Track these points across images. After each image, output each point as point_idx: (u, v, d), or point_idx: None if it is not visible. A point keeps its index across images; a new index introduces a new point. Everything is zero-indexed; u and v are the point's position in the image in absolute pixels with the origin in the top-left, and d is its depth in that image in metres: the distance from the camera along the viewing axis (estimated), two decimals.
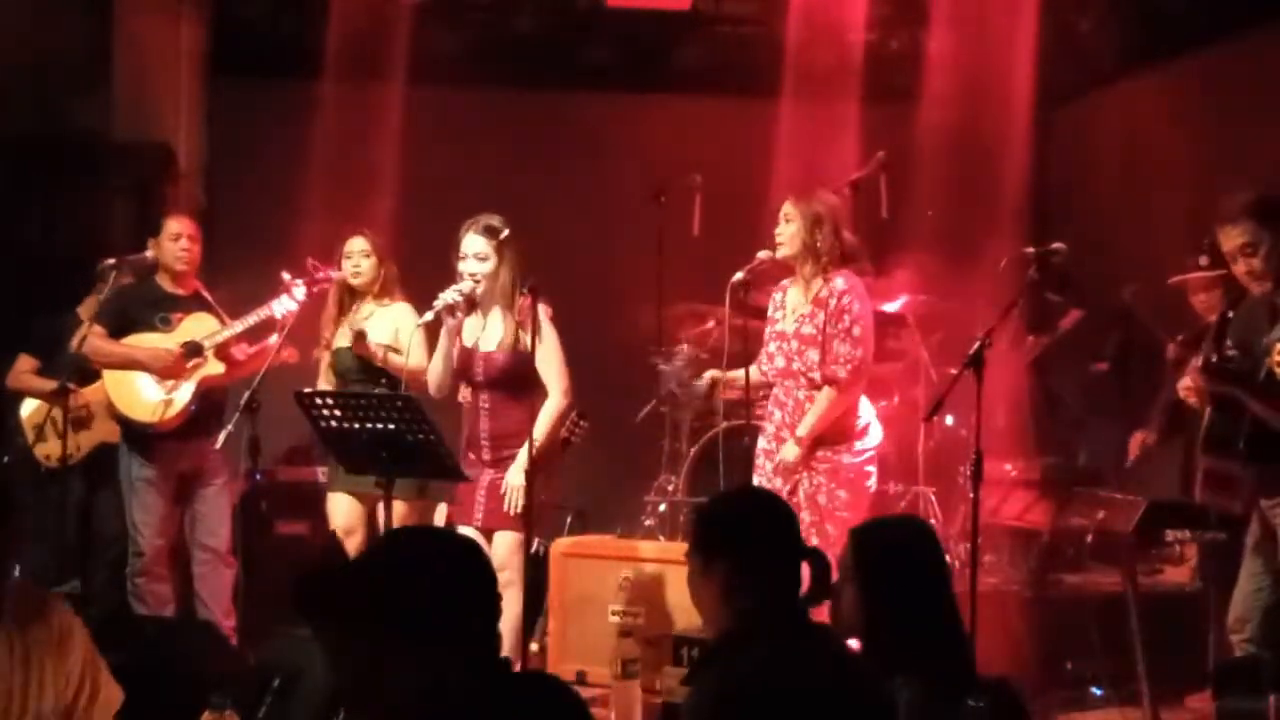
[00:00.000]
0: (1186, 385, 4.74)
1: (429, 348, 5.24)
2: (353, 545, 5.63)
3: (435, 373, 5.13)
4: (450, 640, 2.22)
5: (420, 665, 2.20)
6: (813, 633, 2.79)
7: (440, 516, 5.63)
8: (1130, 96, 7.88)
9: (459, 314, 5.03)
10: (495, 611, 2.32)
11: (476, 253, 5.01)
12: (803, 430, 4.96)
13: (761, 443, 5.16)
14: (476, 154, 7.76)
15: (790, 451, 4.95)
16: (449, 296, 4.97)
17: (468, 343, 5.12)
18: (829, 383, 4.96)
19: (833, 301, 4.98)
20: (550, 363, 4.99)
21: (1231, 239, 4.37)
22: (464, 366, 5.10)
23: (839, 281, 5.02)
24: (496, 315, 5.07)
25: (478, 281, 5.00)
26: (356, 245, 5.69)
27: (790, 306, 5.15)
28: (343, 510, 5.59)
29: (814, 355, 4.99)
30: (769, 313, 5.23)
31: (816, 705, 2.60)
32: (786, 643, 2.69)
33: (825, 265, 5.04)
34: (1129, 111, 7.76)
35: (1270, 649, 4.34)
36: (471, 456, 5.05)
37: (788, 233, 5.05)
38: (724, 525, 2.86)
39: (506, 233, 5.03)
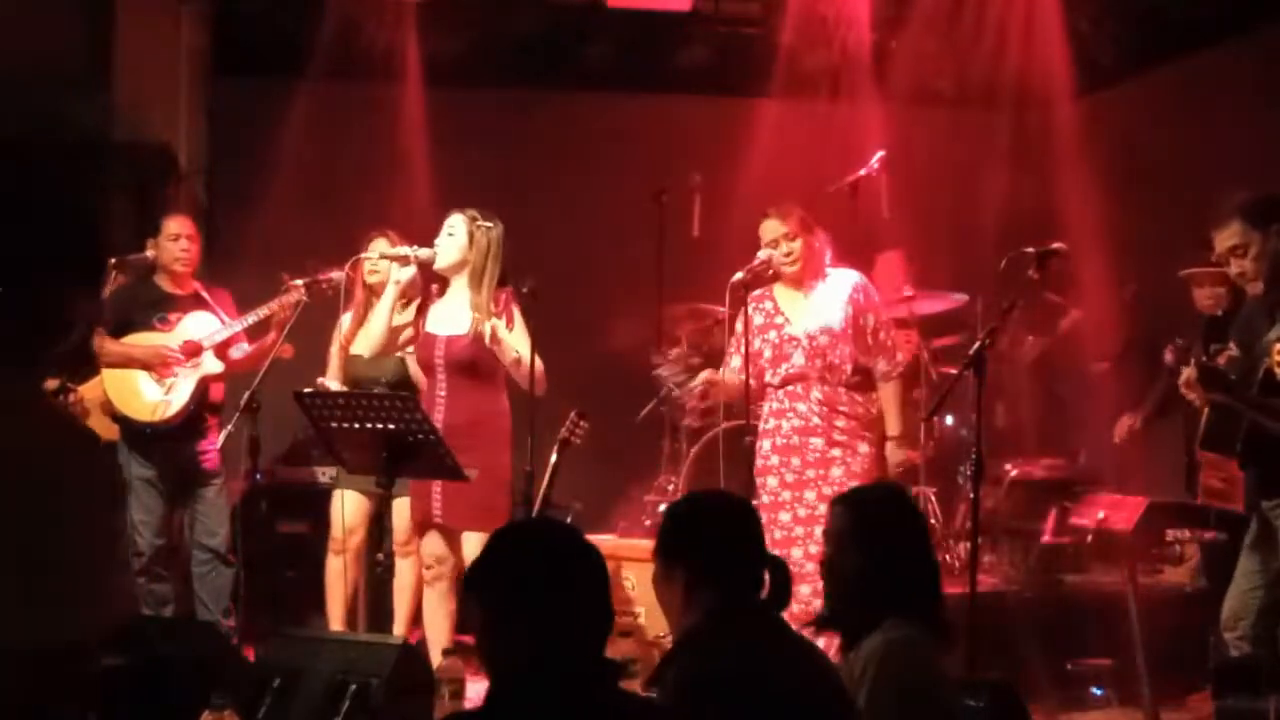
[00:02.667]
0: (1187, 379, 4.75)
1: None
2: (354, 543, 5.64)
3: (372, 331, 5.13)
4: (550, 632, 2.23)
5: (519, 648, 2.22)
6: (775, 628, 2.82)
7: None
8: (1130, 96, 7.88)
9: (411, 269, 5.05)
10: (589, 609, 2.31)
11: (449, 227, 5.07)
12: (895, 429, 5.15)
13: (766, 444, 5.17)
14: (476, 154, 7.75)
15: (898, 455, 5.15)
16: (402, 249, 5.07)
17: (429, 327, 5.09)
18: (890, 379, 5.16)
19: (860, 297, 5.15)
20: (523, 345, 4.96)
21: (1222, 242, 4.41)
22: (424, 351, 5.08)
23: (856, 276, 5.21)
24: (463, 302, 5.04)
25: (436, 253, 5.01)
26: (377, 247, 5.65)
27: (793, 310, 5.19)
28: (348, 509, 5.58)
29: (846, 349, 5.09)
30: (756, 320, 5.23)
31: (781, 693, 2.62)
32: (749, 636, 2.73)
33: (821, 268, 5.18)
34: (1129, 111, 7.76)
35: (1263, 648, 4.34)
36: None
37: (798, 249, 5.14)
38: (685, 529, 2.91)
39: (487, 225, 5.03)
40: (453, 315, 5.06)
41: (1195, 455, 5.07)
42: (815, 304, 5.15)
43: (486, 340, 4.92)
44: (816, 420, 5.11)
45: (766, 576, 2.90)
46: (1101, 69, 7.74)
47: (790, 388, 5.16)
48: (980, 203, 8.13)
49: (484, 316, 4.94)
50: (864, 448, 5.12)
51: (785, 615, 2.95)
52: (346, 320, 5.70)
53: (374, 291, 5.66)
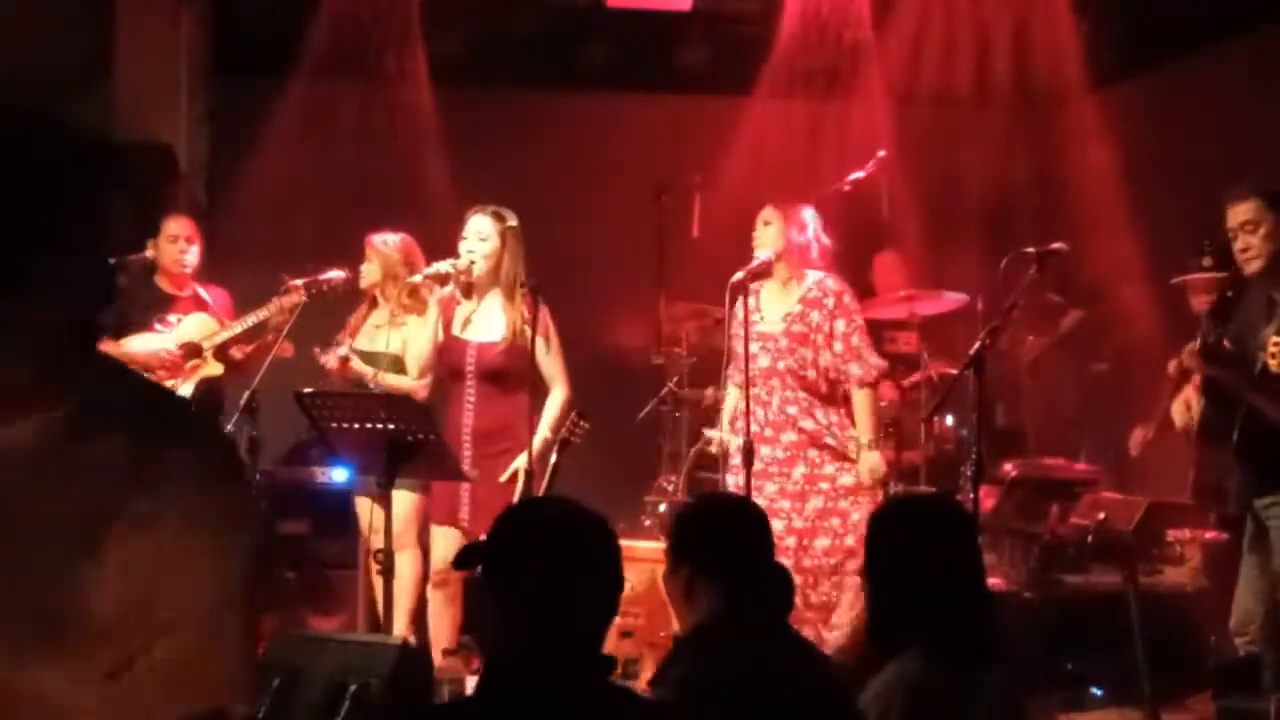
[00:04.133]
0: (1190, 352, 4.73)
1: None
2: (376, 544, 5.62)
3: (418, 352, 5.09)
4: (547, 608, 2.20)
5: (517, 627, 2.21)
6: (778, 630, 2.82)
7: None
8: (1130, 96, 7.88)
9: (451, 286, 5.00)
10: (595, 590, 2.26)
11: (479, 231, 5.00)
12: (868, 436, 5.02)
13: (734, 443, 5.05)
14: (476, 154, 7.75)
15: (871, 460, 4.99)
16: (442, 266, 4.98)
17: (457, 332, 5.06)
18: (865, 384, 5.03)
19: (830, 300, 5.04)
20: (557, 360, 5.02)
21: (1237, 215, 4.41)
22: (452, 356, 5.05)
23: (832, 281, 5.09)
24: (495, 307, 5.02)
25: (473, 262, 4.97)
26: (369, 250, 5.66)
27: (769, 307, 5.16)
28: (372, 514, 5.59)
29: (807, 353, 5.03)
30: (736, 316, 5.08)
31: (781, 695, 2.62)
32: (751, 637, 2.73)
33: (803, 266, 5.10)
34: (1129, 111, 7.76)
35: (1273, 650, 4.33)
36: None
37: (767, 235, 5.10)
38: (690, 530, 2.92)
39: (514, 222, 5.02)
40: (484, 321, 5.04)
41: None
42: (787, 305, 5.11)
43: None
44: (770, 431, 5.06)
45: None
46: (1101, 69, 7.74)
47: (755, 390, 5.06)
48: (980, 202, 8.14)
49: (519, 324, 4.94)
50: (813, 454, 5.01)
51: None
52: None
53: (367, 295, 5.66)
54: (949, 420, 6.82)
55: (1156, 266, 6.70)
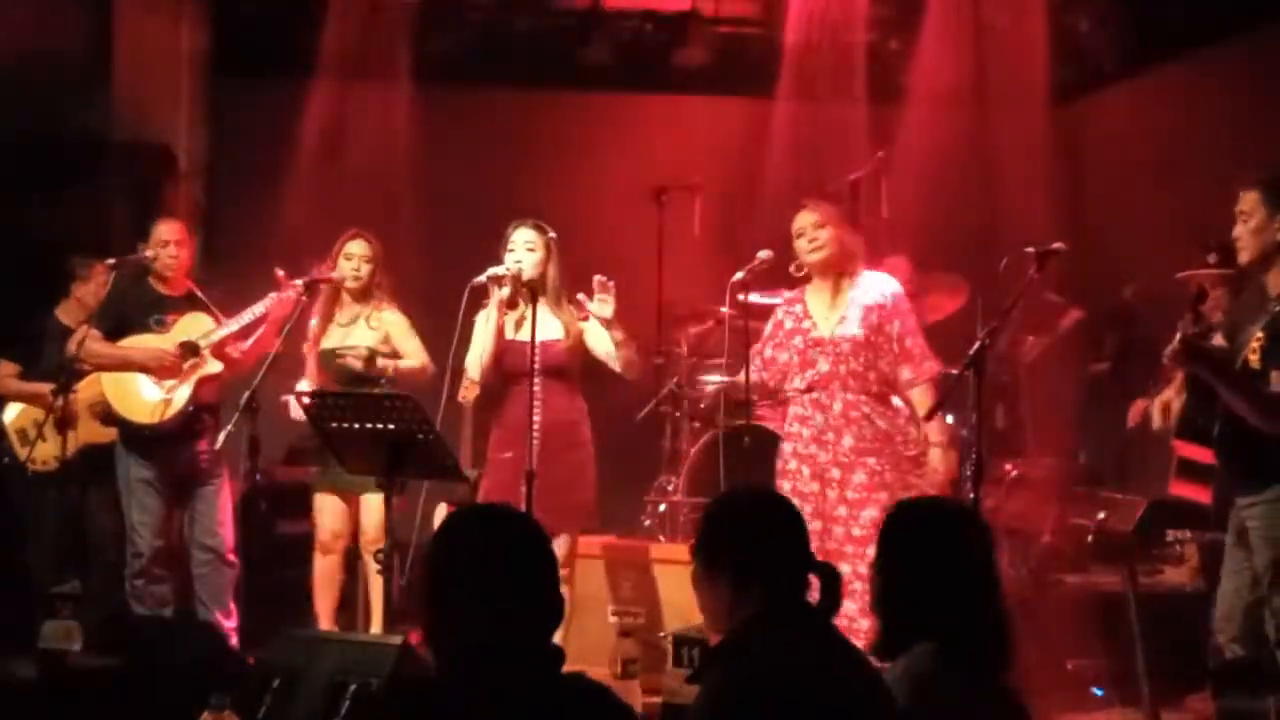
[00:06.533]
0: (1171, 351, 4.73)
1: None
2: (341, 546, 5.65)
3: (481, 353, 5.13)
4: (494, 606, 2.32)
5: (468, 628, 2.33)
6: (823, 632, 2.75)
7: (440, 517, 5.61)
8: (1130, 96, 7.89)
9: (506, 288, 5.08)
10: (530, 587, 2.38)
11: (527, 242, 5.13)
12: (938, 435, 4.95)
13: (788, 447, 5.05)
14: (476, 154, 7.77)
15: (942, 458, 4.93)
16: (499, 269, 5.07)
17: (512, 335, 5.15)
18: (914, 385, 4.97)
19: (887, 302, 4.99)
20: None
21: (1238, 202, 4.40)
22: (513, 357, 5.11)
23: (886, 281, 5.07)
24: (544, 310, 5.09)
25: (523, 269, 5.07)
26: (357, 249, 5.66)
27: (820, 313, 5.06)
28: (331, 512, 5.61)
29: (868, 357, 4.95)
30: (786, 325, 5.10)
31: (825, 699, 2.58)
32: (796, 640, 2.67)
33: (853, 267, 5.04)
34: (1129, 111, 7.77)
35: (1253, 647, 4.32)
36: (509, 454, 5.03)
37: (824, 237, 4.99)
38: (729, 532, 2.81)
39: (552, 234, 5.15)
40: (539, 323, 5.09)
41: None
42: (842, 308, 5.01)
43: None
44: (830, 435, 4.95)
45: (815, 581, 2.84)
46: (1100, 69, 7.75)
47: (814, 395, 5.00)
48: (979, 203, 8.13)
49: (573, 325, 5.12)
50: (872, 461, 4.91)
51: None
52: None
53: (351, 294, 5.67)
54: (949, 420, 6.82)
55: (1158, 265, 6.70)
